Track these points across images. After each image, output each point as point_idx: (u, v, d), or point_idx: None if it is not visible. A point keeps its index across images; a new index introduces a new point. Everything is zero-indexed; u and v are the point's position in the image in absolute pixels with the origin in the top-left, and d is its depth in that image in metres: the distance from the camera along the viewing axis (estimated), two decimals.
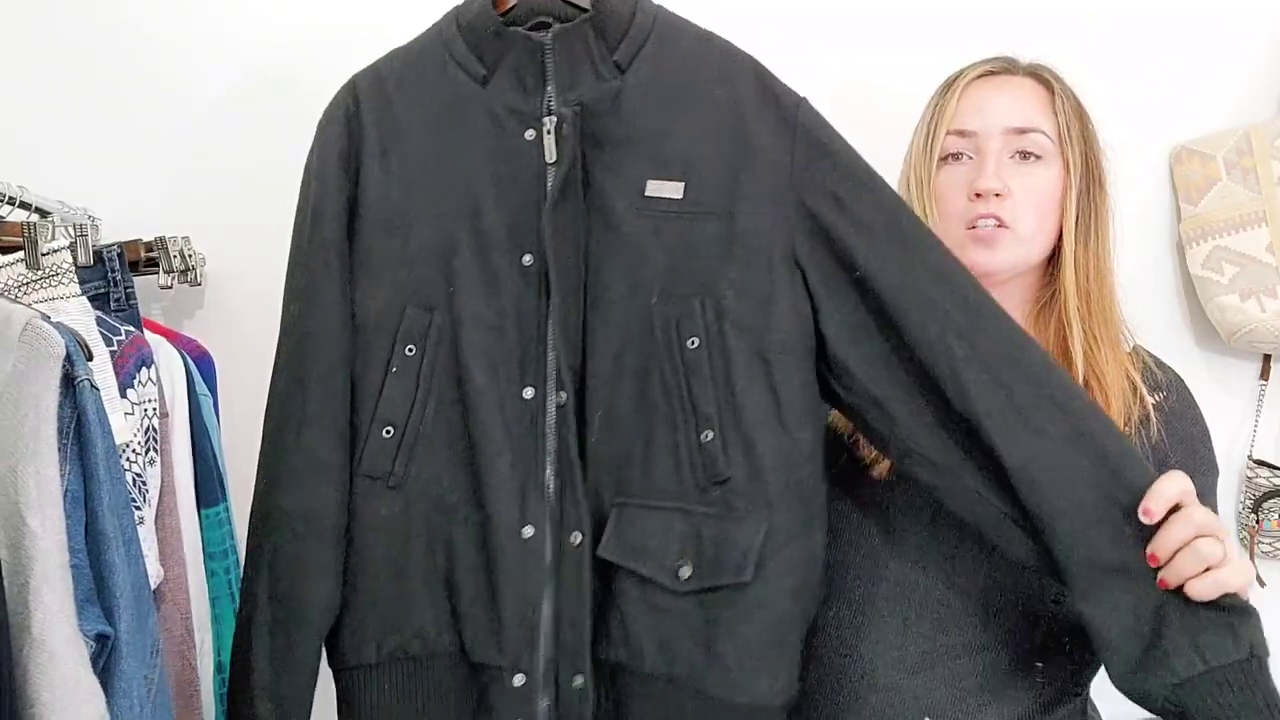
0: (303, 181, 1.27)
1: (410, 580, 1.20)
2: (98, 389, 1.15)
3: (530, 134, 1.21)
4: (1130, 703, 1.09)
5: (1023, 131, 1.32)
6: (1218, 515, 1.19)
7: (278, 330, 1.25)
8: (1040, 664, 1.25)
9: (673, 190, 1.20)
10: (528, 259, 1.20)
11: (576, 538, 1.17)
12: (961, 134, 1.33)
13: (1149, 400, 1.27)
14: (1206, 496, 1.28)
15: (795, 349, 1.19)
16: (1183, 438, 1.29)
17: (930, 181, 1.33)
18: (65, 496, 1.08)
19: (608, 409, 1.19)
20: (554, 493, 1.20)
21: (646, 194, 1.20)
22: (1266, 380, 1.75)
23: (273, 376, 1.23)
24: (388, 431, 1.20)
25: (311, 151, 1.27)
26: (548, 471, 1.20)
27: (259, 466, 1.24)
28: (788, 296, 1.19)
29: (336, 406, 1.20)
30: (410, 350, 1.20)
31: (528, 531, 1.18)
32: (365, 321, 1.22)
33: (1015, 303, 1.33)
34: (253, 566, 1.22)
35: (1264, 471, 1.72)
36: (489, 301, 1.20)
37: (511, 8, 1.25)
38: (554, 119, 1.20)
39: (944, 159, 1.34)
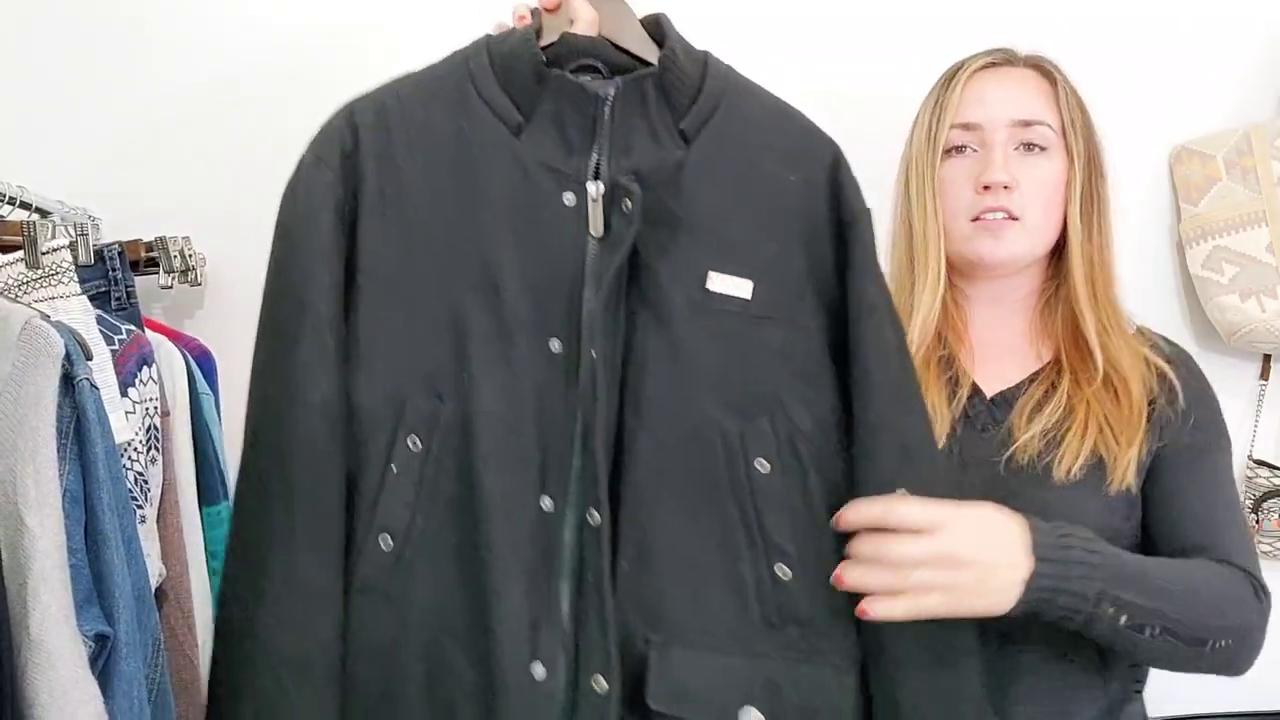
0: (280, 228, 1.05)
1: (404, 715, 1.00)
2: (97, 388, 1.15)
3: (569, 198, 1.04)
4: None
5: (1028, 124, 1.31)
6: (1234, 488, 1.30)
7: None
8: (1104, 665, 1.23)
9: (740, 288, 1.05)
10: (556, 345, 1.02)
11: (601, 683, 0.99)
12: (966, 127, 1.32)
13: (1168, 371, 1.28)
14: (1225, 469, 1.29)
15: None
16: (1199, 397, 1.29)
17: (934, 175, 1.31)
18: (64, 496, 1.08)
19: (645, 532, 1.02)
20: (570, 625, 1.01)
21: (709, 288, 1.04)
22: (1266, 380, 1.75)
23: (243, 480, 1.04)
24: (385, 541, 1.00)
25: (294, 194, 1.05)
26: (564, 600, 1.01)
27: (228, 583, 1.04)
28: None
29: (331, 523, 1.00)
30: (414, 444, 1.00)
31: (539, 671, 0.98)
32: (360, 410, 1.01)
33: (1021, 295, 1.35)
34: (230, 710, 1.00)
35: (1264, 471, 1.71)
36: (508, 393, 1.01)
37: (551, 44, 1.09)
38: (600, 185, 1.04)
39: (948, 152, 1.32)
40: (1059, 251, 1.33)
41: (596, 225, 1.04)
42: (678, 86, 1.06)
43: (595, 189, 1.03)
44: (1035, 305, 1.35)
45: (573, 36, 1.08)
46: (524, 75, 1.05)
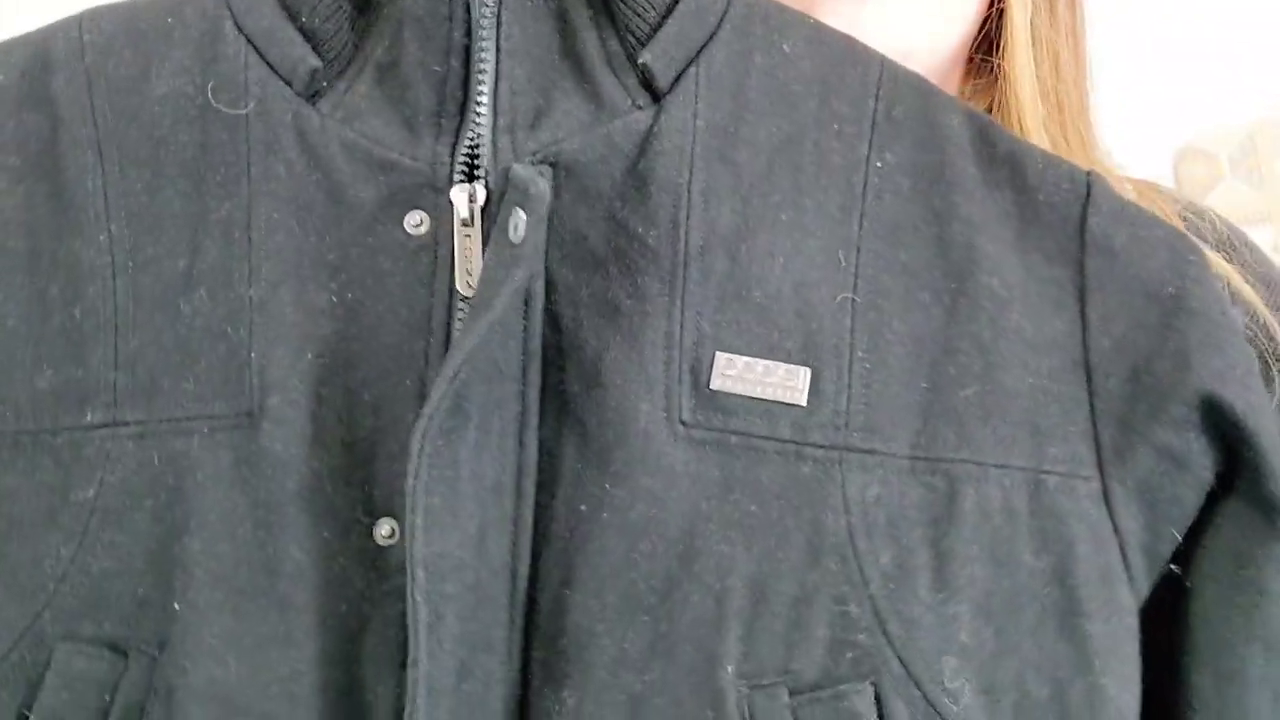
0: None
1: None
2: None
3: (416, 220, 0.52)
4: None
5: None
6: None
7: None
8: None
9: (786, 383, 0.50)
10: (386, 530, 0.49)
11: None
12: None
13: (1221, 265, 0.70)
14: None
15: None
16: (1262, 277, 0.76)
17: None
18: None
19: None
20: None
21: (714, 385, 0.50)
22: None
23: None
24: None
25: None
26: None
27: None
28: (1116, 659, 0.50)
29: None
30: None
31: None
32: None
33: None
34: None
35: None
36: (268, 646, 0.48)
37: None
38: (479, 188, 0.51)
39: None
40: (997, 44, 0.74)
41: (470, 272, 0.51)
42: None
43: (467, 199, 0.51)
44: None
45: None
46: None
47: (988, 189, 0.53)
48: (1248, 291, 0.67)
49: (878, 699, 0.47)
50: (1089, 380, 0.51)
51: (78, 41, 0.55)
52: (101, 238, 0.52)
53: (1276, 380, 0.66)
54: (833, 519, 0.49)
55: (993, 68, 0.74)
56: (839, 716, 0.46)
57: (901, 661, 0.47)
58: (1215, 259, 0.66)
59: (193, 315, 0.51)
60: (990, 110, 0.73)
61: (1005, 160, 0.54)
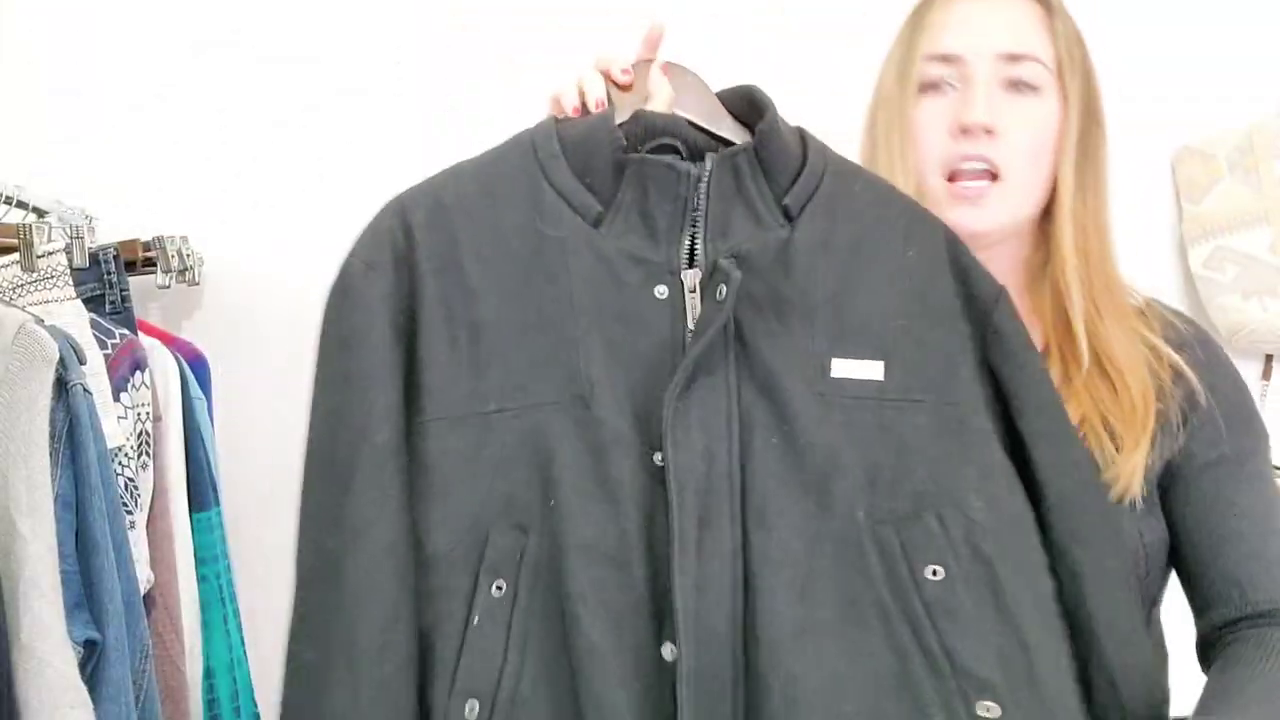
0: (327, 344, 0.93)
1: None
2: (90, 393, 1.15)
3: (662, 291, 0.92)
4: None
5: (1017, 58, 1.10)
6: (1275, 487, 1.10)
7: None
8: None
9: (871, 370, 0.93)
10: (659, 458, 0.88)
11: None
12: (944, 59, 1.12)
13: (1183, 367, 1.10)
14: (1270, 478, 1.12)
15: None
16: (1225, 392, 1.11)
17: (903, 116, 1.12)
18: (56, 501, 1.09)
19: (793, 677, 0.83)
20: None
21: (834, 375, 0.92)
22: (1269, 380, 1.74)
23: (296, 641, 0.89)
24: (472, 708, 0.83)
25: (342, 306, 0.92)
26: None
27: None
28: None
29: (403, 694, 0.85)
30: (499, 589, 0.86)
31: None
32: (434, 555, 0.88)
33: (1004, 269, 1.11)
34: None
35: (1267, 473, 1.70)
36: (607, 520, 0.86)
37: (624, 123, 0.99)
38: (698, 272, 0.92)
39: (922, 89, 1.13)
40: (1049, 217, 1.15)
41: (694, 317, 0.92)
42: (779, 161, 0.96)
43: (692, 278, 0.92)
44: (1021, 284, 1.15)
45: (649, 115, 0.99)
46: (602, 162, 0.95)
47: (956, 283, 0.98)
48: (1192, 376, 1.09)
49: (939, 518, 0.89)
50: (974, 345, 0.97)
51: (454, 191, 0.95)
52: (485, 308, 0.92)
53: (1192, 422, 1.09)
54: (906, 427, 0.92)
55: (1048, 231, 1.15)
56: (920, 526, 0.88)
57: (948, 496, 0.90)
58: (1168, 351, 1.11)
59: (544, 346, 0.91)
60: (1046, 256, 1.15)
61: (962, 265, 0.99)
